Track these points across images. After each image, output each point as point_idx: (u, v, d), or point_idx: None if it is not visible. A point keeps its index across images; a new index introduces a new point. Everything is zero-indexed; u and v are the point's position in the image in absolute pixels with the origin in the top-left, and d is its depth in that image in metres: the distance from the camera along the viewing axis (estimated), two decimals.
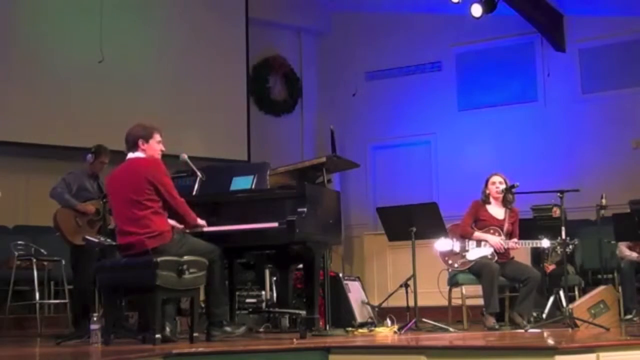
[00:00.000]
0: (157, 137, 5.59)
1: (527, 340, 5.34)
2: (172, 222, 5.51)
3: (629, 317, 7.53)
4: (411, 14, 11.71)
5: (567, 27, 10.96)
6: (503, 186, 7.05)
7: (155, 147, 5.57)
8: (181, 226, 5.59)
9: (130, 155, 5.57)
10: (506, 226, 7.02)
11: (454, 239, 7.01)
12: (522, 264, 7.13)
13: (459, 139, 11.37)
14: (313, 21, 12.41)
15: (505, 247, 6.92)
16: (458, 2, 10.20)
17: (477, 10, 10.20)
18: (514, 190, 7.04)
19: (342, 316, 7.25)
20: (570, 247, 6.92)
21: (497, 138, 11.10)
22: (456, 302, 7.23)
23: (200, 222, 5.62)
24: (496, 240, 6.92)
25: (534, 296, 6.85)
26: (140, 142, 5.52)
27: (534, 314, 7.13)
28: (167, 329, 5.43)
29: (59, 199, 7.18)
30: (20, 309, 8.46)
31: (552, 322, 6.61)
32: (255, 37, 11.66)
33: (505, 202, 7.09)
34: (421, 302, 6.68)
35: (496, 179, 7.11)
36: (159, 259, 5.17)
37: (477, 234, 6.99)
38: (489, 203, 7.11)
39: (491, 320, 6.71)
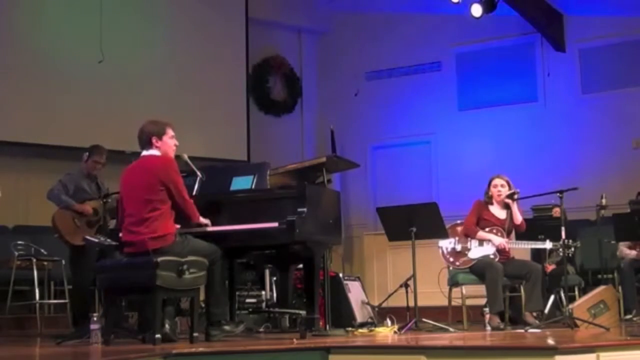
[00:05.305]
0: (170, 132, 5.56)
1: (527, 340, 5.34)
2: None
3: (629, 317, 7.53)
4: (411, 14, 11.70)
5: (567, 27, 10.95)
6: (505, 189, 7.11)
7: (169, 142, 5.54)
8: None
9: (145, 152, 5.54)
10: (507, 226, 7.07)
11: (457, 238, 7.03)
12: (521, 260, 7.16)
13: (459, 139, 11.35)
14: (313, 21, 12.39)
15: (509, 247, 6.95)
16: (458, 2, 10.19)
17: (477, 10, 10.18)
18: (515, 197, 7.06)
19: (342, 316, 7.25)
20: (572, 249, 6.93)
21: (497, 138, 11.08)
22: (456, 302, 7.23)
23: (204, 221, 5.63)
24: (500, 240, 6.94)
25: (539, 290, 6.85)
26: (153, 139, 5.50)
27: (534, 314, 7.13)
28: (167, 326, 5.42)
29: (56, 200, 7.18)
30: (20, 309, 8.45)
31: (552, 322, 6.61)
32: (255, 37, 11.64)
33: (505, 204, 7.13)
34: (421, 302, 6.69)
35: (498, 181, 7.16)
36: (159, 259, 5.17)
37: (481, 233, 7.01)
38: (492, 204, 7.15)
39: (496, 320, 6.71)
